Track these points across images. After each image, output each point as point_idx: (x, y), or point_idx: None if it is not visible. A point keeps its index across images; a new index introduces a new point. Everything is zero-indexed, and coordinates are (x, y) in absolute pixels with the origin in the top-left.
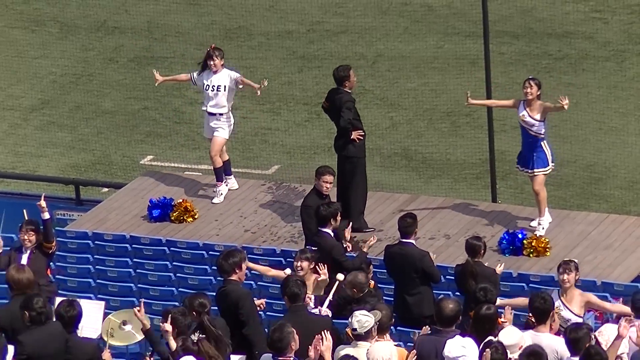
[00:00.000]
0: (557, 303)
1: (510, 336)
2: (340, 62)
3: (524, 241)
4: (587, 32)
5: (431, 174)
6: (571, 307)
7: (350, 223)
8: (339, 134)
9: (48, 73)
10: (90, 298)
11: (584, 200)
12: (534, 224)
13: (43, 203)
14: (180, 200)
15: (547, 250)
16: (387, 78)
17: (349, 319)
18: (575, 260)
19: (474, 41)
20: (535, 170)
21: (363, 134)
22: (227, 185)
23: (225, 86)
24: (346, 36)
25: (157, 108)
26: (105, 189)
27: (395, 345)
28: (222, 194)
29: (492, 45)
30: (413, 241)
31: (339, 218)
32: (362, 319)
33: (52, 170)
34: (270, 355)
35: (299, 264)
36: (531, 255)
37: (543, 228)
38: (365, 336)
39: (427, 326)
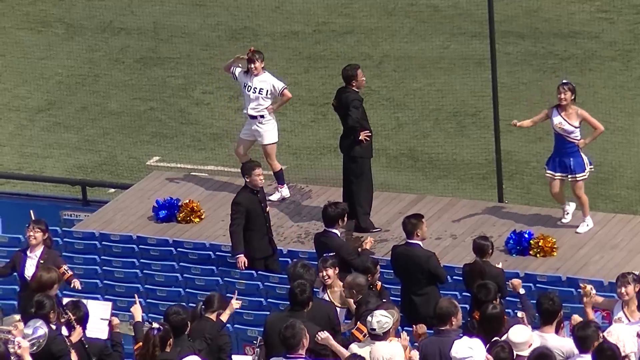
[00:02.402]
0: (620, 314)
1: (521, 334)
2: (346, 62)
3: (531, 241)
4: (593, 32)
5: (437, 174)
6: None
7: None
8: (345, 133)
9: (54, 74)
10: (97, 299)
11: (590, 200)
12: (581, 229)
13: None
14: (187, 201)
15: (554, 250)
16: (393, 78)
17: (368, 318)
18: (634, 273)
19: (480, 41)
20: (577, 175)
21: (370, 134)
22: (280, 191)
23: (267, 90)
24: (352, 37)
25: (163, 109)
26: (112, 190)
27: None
28: (282, 195)
29: (498, 45)
30: (419, 242)
31: (346, 219)
32: (382, 319)
33: (58, 171)
34: (281, 357)
35: (324, 273)
36: (538, 255)
37: (587, 225)
38: (383, 336)
39: (421, 325)
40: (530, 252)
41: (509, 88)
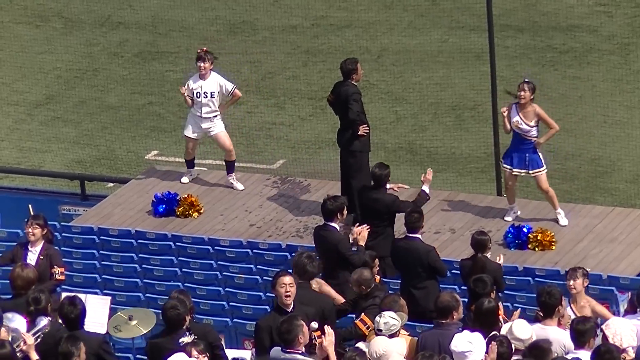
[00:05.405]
0: (568, 310)
1: (524, 330)
2: (345, 56)
3: (529, 235)
4: (592, 26)
5: (436, 168)
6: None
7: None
8: (343, 127)
9: (53, 68)
10: (96, 293)
11: (589, 194)
12: (562, 222)
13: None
14: (186, 195)
15: (553, 244)
16: (391, 72)
17: (377, 318)
18: (585, 268)
19: (479, 35)
20: (531, 172)
21: (368, 128)
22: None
23: (217, 92)
24: (350, 30)
25: (161, 103)
26: (111, 184)
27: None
28: (235, 185)
29: (496, 38)
30: (419, 236)
31: (345, 212)
32: (390, 321)
33: (57, 165)
34: (280, 348)
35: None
36: (537, 249)
37: (564, 216)
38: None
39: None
40: (529, 246)
41: (508, 81)
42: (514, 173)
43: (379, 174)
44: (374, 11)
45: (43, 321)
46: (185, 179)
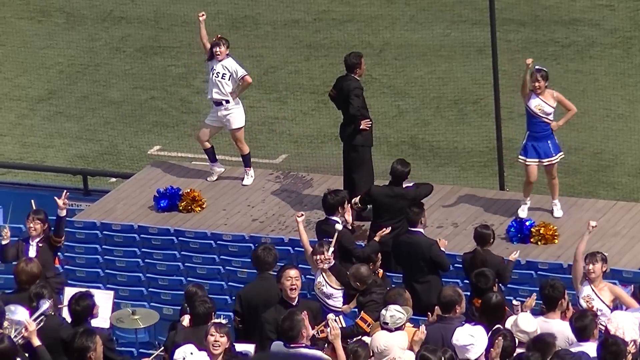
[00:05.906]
0: (588, 291)
1: (530, 323)
2: (347, 50)
3: (532, 229)
4: (594, 19)
5: (438, 162)
6: (602, 297)
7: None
8: (345, 122)
9: (55, 63)
10: (99, 288)
11: (591, 188)
12: (558, 213)
13: (63, 202)
14: (188, 190)
15: (555, 237)
16: (394, 66)
17: (382, 311)
18: (603, 253)
19: (481, 29)
20: (556, 156)
21: (370, 123)
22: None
23: (229, 75)
24: (353, 25)
25: (164, 98)
26: (113, 179)
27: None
28: (252, 176)
29: (498, 32)
30: (421, 230)
31: (346, 206)
32: (396, 315)
33: (59, 160)
34: (282, 343)
35: (318, 257)
36: (539, 242)
37: (559, 208)
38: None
39: (434, 314)
40: (532, 240)
41: (510, 75)
42: (544, 164)
43: (401, 170)
44: (376, 5)
45: (45, 304)
46: (211, 178)
